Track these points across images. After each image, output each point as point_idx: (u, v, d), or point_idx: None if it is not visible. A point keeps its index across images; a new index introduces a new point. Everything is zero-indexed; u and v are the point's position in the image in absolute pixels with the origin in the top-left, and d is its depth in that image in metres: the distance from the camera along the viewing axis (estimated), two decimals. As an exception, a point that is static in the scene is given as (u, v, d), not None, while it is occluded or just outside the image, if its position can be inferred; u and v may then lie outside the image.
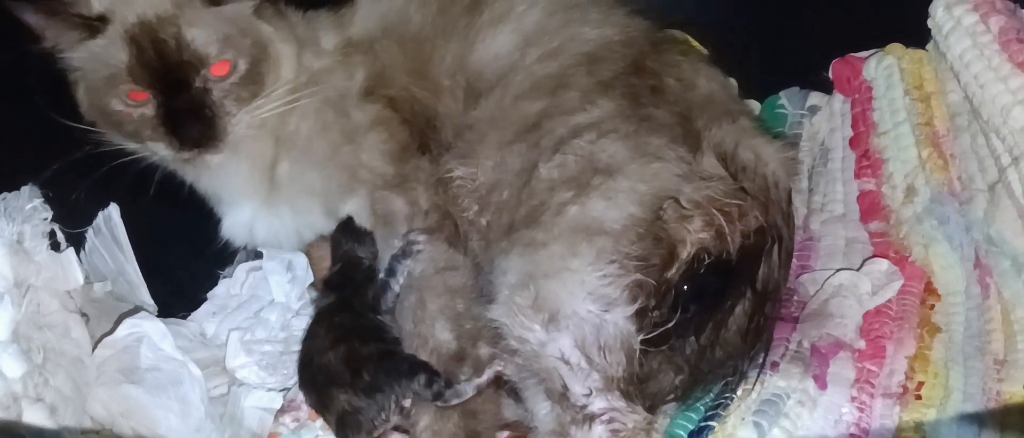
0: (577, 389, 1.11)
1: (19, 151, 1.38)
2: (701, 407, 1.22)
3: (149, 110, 1.24)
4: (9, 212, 1.32)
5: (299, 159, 1.36)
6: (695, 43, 1.50)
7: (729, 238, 1.16)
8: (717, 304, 1.18)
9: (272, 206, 1.39)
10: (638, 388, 1.15)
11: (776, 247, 1.21)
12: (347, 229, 1.35)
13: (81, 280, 1.36)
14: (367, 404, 1.18)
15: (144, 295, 1.52)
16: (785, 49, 1.57)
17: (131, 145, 1.30)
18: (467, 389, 1.19)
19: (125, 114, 1.25)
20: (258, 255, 1.55)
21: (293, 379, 1.35)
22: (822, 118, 1.56)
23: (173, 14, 1.23)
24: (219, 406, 1.34)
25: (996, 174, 1.30)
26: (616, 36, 1.34)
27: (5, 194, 1.35)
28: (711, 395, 1.22)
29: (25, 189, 1.36)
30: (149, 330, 1.34)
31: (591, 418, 1.11)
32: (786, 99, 1.60)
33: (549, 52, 1.33)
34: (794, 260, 1.40)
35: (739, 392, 1.21)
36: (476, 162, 1.28)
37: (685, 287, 1.16)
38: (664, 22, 1.40)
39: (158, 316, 1.44)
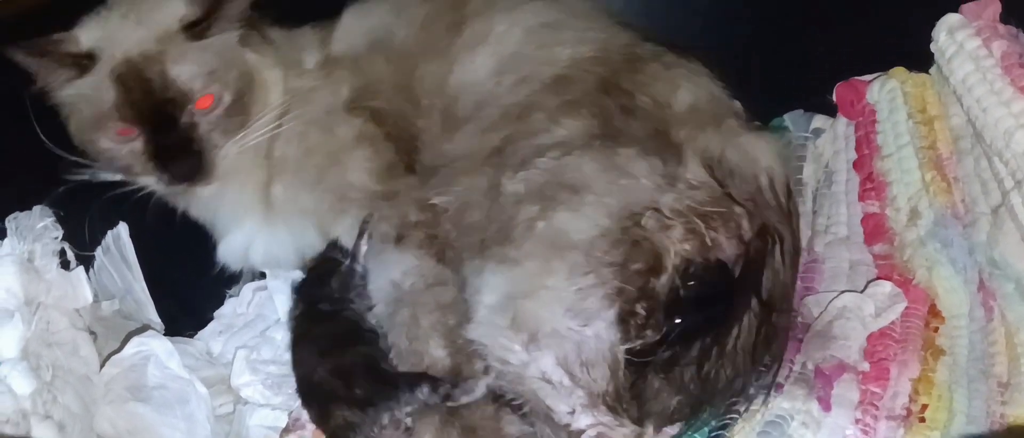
0: (560, 408, 1.11)
1: (30, 171, 1.40)
2: (706, 429, 1.21)
3: (138, 146, 1.25)
4: (20, 231, 1.34)
5: (291, 182, 1.36)
6: (699, 64, 1.51)
7: (715, 246, 1.16)
8: (716, 316, 1.17)
9: (269, 228, 1.40)
10: (627, 401, 1.14)
11: (778, 248, 1.19)
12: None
13: (90, 298, 1.38)
14: (362, 419, 1.18)
15: (151, 313, 1.53)
16: (789, 72, 1.58)
17: (123, 177, 1.32)
18: (478, 387, 1.18)
19: (115, 151, 1.27)
20: (263, 274, 1.55)
21: (297, 398, 1.35)
22: (826, 140, 1.57)
23: (158, 51, 1.25)
24: (225, 424, 1.35)
25: (999, 197, 1.30)
26: (589, 53, 1.33)
27: (16, 214, 1.37)
28: (715, 418, 1.21)
29: (36, 209, 1.39)
30: (156, 348, 1.35)
31: (578, 435, 1.11)
32: (790, 121, 1.60)
33: (520, 79, 1.32)
34: (798, 282, 1.40)
35: (743, 412, 1.20)
36: (451, 191, 1.28)
37: (673, 296, 1.15)
38: (669, 44, 1.40)
39: (165, 334, 1.45)
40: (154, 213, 1.40)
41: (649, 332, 1.15)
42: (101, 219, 1.50)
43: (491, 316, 1.14)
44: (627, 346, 1.13)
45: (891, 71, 1.50)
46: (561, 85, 1.30)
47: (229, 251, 1.44)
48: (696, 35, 1.55)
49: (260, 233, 1.40)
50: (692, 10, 1.65)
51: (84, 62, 1.25)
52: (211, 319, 1.56)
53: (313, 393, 1.25)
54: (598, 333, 1.11)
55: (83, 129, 1.28)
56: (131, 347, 1.34)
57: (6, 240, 1.33)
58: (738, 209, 1.18)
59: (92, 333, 1.35)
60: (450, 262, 1.29)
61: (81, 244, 1.45)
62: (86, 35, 1.28)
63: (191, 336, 1.51)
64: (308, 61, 1.39)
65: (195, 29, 1.26)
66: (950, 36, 1.39)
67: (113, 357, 1.33)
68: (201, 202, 1.39)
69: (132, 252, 1.53)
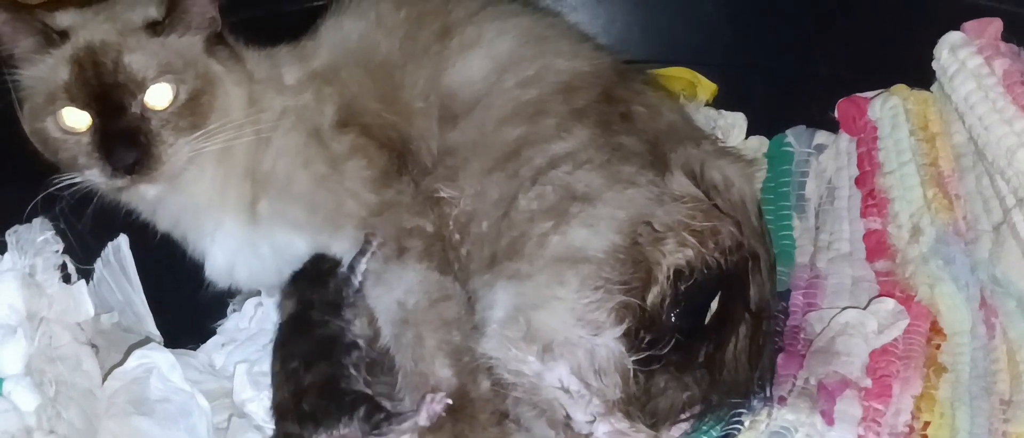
0: (579, 416, 1.12)
1: (29, 184, 1.39)
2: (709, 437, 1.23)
3: (85, 138, 1.24)
4: (21, 245, 1.34)
5: (280, 196, 1.35)
6: (704, 80, 1.52)
7: (705, 255, 1.18)
8: (713, 323, 1.20)
9: (252, 247, 1.38)
10: (639, 406, 1.16)
11: (756, 265, 1.23)
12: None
13: (92, 312, 1.37)
14: (302, 433, 1.21)
15: (151, 326, 1.52)
16: (792, 88, 1.60)
17: (74, 176, 1.27)
18: (408, 426, 1.19)
19: (61, 141, 1.25)
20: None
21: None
22: (829, 157, 1.58)
23: (117, 41, 1.25)
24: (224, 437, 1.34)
25: (1001, 215, 1.31)
26: (586, 67, 1.36)
27: (16, 227, 1.36)
28: (720, 426, 1.23)
29: (36, 222, 1.38)
30: (158, 361, 1.34)
31: None
32: (793, 137, 1.61)
33: (527, 79, 1.34)
34: (801, 298, 1.42)
35: (747, 423, 1.22)
36: (459, 185, 1.29)
37: (668, 305, 1.18)
38: (673, 61, 1.41)
39: (166, 347, 1.44)
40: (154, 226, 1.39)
41: (652, 343, 1.17)
42: (100, 231, 1.48)
43: (503, 329, 1.15)
44: (634, 358, 1.15)
45: (893, 88, 1.51)
46: (568, 92, 1.32)
47: (214, 270, 1.42)
48: (700, 51, 1.55)
49: (243, 252, 1.39)
50: (695, 26, 1.66)
51: (53, 37, 1.24)
52: (210, 332, 1.56)
53: (274, 405, 1.28)
54: (607, 343, 1.13)
55: (34, 114, 1.27)
56: (133, 360, 1.33)
57: (7, 254, 1.33)
58: (726, 219, 1.21)
59: (94, 346, 1.34)
60: (453, 271, 1.29)
61: (79, 257, 1.44)
62: (64, 18, 1.28)
63: (193, 348, 1.50)
64: (288, 78, 1.39)
65: (156, 27, 1.26)
66: (952, 54, 1.40)
67: (116, 370, 1.32)
68: (171, 216, 1.38)
69: (132, 264, 1.52)
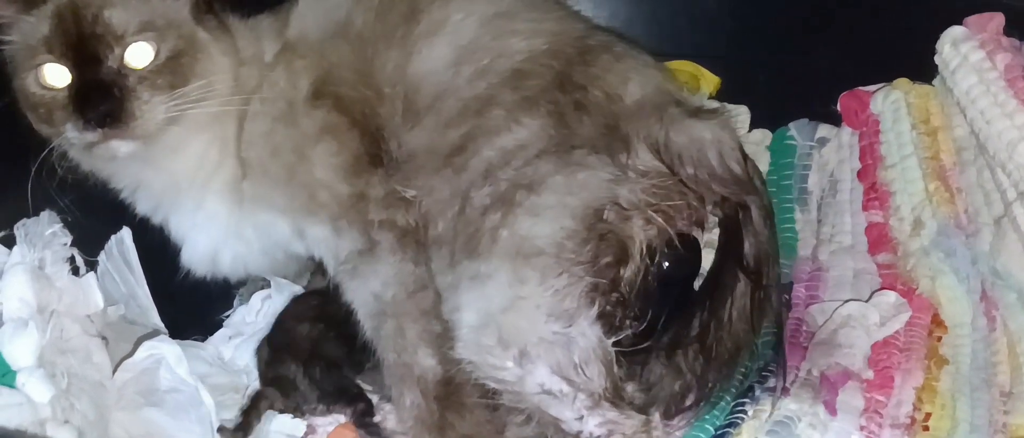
0: (568, 415, 1.12)
1: (37, 179, 1.39)
2: (710, 427, 1.23)
3: (62, 93, 1.22)
4: (30, 238, 1.34)
5: (260, 179, 1.34)
6: (707, 73, 1.52)
7: (672, 229, 1.17)
8: (704, 288, 1.19)
9: (236, 229, 1.37)
10: (627, 393, 1.15)
11: (747, 215, 1.20)
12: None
13: (101, 304, 1.37)
14: (306, 388, 1.28)
15: (155, 319, 1.52)
16: (795, 81, 1.59)
17: (45, 134, 1.27)
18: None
19: (39, 96, 1.24)
20: (268, 283, 1.56)
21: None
22: (831, 150, 1.59)
23: None
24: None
25: (1002, 208, 1.33)
26: (543, 46, 1.31)
27: (24, 221, 1.37)
28: (723, 416, 1.23)
29: (44, 215, 1.38)
30: (166, 352, 1.34)
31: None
32: (795, 130, 1.61)
33: (479, 70, 1.30)
34: (803, 290, 1.43)
35: (750, 413, 1.22)
36: (416, 185, 1.27)
37: (646, 282, 1.16)
38: (676, 54, 1.41)
39: (172, 339, 1.44)
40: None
41: (631, 322, 1.16)
42: (105, 224, 1.49)
43: (476, 336, 1.14)
44: (614, 339, 1.13)
45: (895, 82, 1.52)
46: (518, 79, 1.28)
47: (194, 255, 1.41)
48: (703, 44, 1.56)
49: (227, 235, 1.38)
50: (698, 20, 1.66)
51: None
52: (215, 324, 1.56)
53: (279, 334, 1.37)
54: (583, 332, 1.11)
55: (17, 70, 1.26)
56: (142, 351, 1.33)
57: (16, 248, 1.33)
58: (689, 193, 1.19)
59: (103, 339, 1.34)
60: (425, 262, 1.28)
61: (86, 249, 1.45)
62: None
63: (200, 340, 1.51)
64: (268, 53, 1.37)
65: None
66: (954, 48, 1.41)
67: (125, 362, 1.32)
68: (149, 196, 1.37)
69: (135, 256, 1.51)
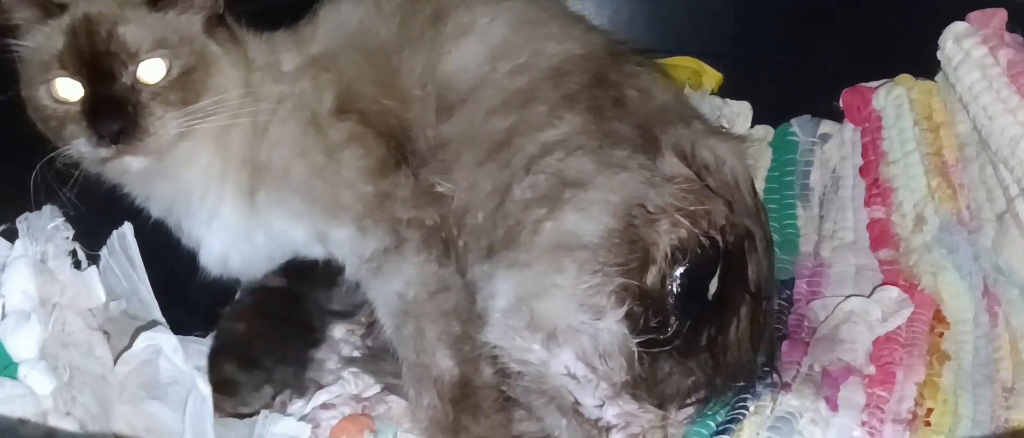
0: (588, 401, 1.14)
1: (38, 172, 1.39)
2: (711, 423, 1.24)
3: (75, 108, 1.23)
4: (32, 232, 1.33)
5: (278, 185, 1.34)
6: (710, 69, 1.52)
7: (698, 235, 1.19)
8: (713, 305, 1.21)
9: (248, 235, 1.38)
10: (645, 388, 1.17)
11: (752, 243, 1.23)
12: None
13: (103, 298, 1.37)
14: (246, 379, 1.31)
15: (156, 314, 1.51)
16: (797, 78, 1.60)
17: (57, 145, 1.27)
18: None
19: (52, 109, 1.24)
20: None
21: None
22: (833, 146, 1.59)
23: (114, 13, 1.24)
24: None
25: (1004, 204, 1.33)
26: (578, 50, 1.35)
27: (27, 214, 1.36)
28: (725, 411, 1.24)
29: (46, 209, 1.37)
30: (163, 343, 1.32)
31: (608, 428, 1.14)
32: (798, 127, 1.62)
33: (518, 67, 1.33)
34: (805, 286, 1.44)
35: (752, 408, 1.23)
36: (453, 178, 1.29)
37: (668, 285, 1.18)
38: (679, 50, 1.41)
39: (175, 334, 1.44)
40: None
41: (654, 324, 1.18)
42: (106, 218, 1.49)
43: (506, 319, 1.17)
44: (638, 340, 1.16)
45: (897, 78, 1.53)
46: (559, 78, 1.31)
47: (210, 257, 1.42)
48: (706, 41, 1.56)
49: (238, 239, 1.39)
50: (700, 16, 1.66)
51: (53, 7, 1.24)
52: (216, 320, 1.54)
53: (221, 342, 1.39)
54: (610, 326, 1.15)
55: (29, 82, 1.26)
56: (141, 342, 1.32)
57: (18, 241, 1.32)
58: (717, 199, 1.21)
59: (105, 333, 1.34)
60: (452, 263, 1.30)
61: (88, 244, 1.45)
62: None
63: (203, 336, 1.51)
64: (286, 64, 1.38)
65: (156, 3, 1.26)
66: (957, 44, 1.41)
67: (125, 354, 1.31)
68: (162, 200, 1.38)
69: (136, 252, 1.50)
